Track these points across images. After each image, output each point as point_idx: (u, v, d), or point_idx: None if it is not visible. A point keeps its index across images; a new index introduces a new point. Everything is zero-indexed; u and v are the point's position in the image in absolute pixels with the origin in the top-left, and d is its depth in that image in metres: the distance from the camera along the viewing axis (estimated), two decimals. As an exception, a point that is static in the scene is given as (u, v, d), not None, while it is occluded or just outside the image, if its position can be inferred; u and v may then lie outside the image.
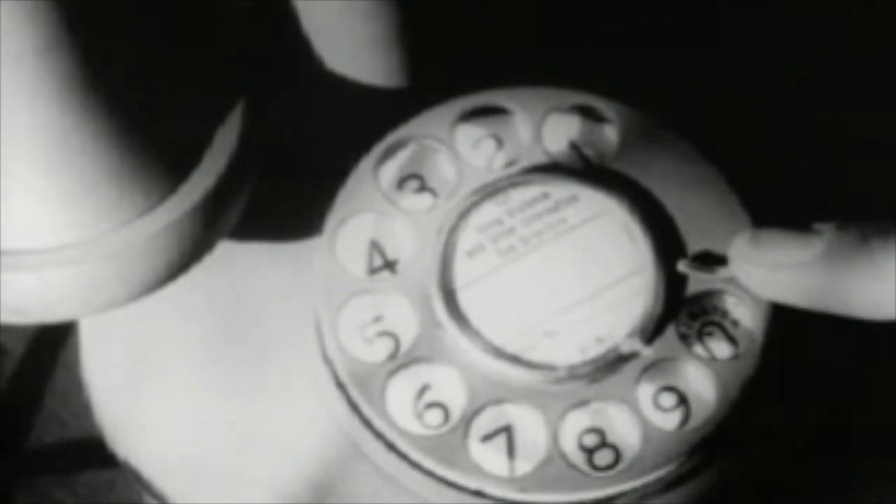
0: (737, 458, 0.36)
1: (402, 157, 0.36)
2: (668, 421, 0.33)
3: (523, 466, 0.33)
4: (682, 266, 0.34)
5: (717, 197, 0.35)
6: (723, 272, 0.34)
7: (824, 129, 0.41)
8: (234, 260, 0.38)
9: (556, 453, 0.33)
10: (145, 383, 0.40)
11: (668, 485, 0.34)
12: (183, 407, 0.39)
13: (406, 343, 0.34)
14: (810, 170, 0.39)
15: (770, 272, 0.32)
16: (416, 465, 0.34)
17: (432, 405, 0.34)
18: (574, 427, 0.33)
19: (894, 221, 0.30)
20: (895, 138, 0.41)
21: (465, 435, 0.33)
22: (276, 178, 0.36)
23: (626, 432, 0.33)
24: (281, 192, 0.36)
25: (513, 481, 0.33)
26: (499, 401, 0.33)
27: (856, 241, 0.30)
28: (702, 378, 0.34)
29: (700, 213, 0.35)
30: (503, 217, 0.34)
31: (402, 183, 0.36)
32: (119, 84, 0.32)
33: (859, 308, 0.30)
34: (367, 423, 0.34)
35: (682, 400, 0.34)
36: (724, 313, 0.34)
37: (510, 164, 0.36)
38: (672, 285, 0.34)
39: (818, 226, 0.31)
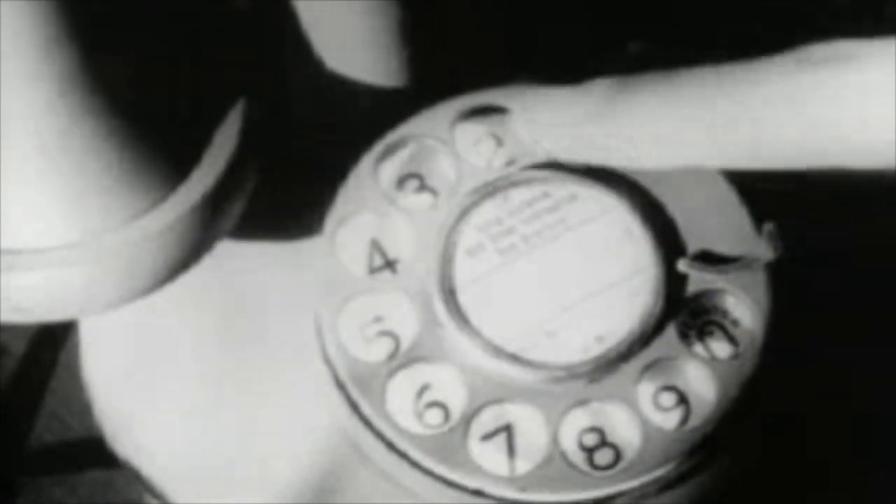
0: (737, 458, 0.36)
1: (401, 156, 0.36)
2: (668, 420, 0.33)
3: (523, 466, 0.33)
4: (682, 265, 0.34)
5: (717, 196, 0.35)
6: (723, 271, 0.34)
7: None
8: (234, 259, 0.38)
9: (556, 452, 0.33)
10: (145, 383, 0.40)
11: (667, 484, 0.34)
12: (183, 407, 0.39)
13: (406, 342, 0.34)
14: (811, 169, 0.39)
15: (550, 129, 0.32)
16: (416, 465, 0.34)
17: (432, 404, 0.34)
18: (574, 426, 0.33)
19: (672, 72, 0.30)
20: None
21: (465, 434, 0.33)
22: (276, 177, 0.36)
23: (626, 432, 0.33)
24: (281, 191, 0.36)
25: (513, 480, 0.33)
26: (499, 400, 0.33)
27: (625, 93, 0.31)
28: (702, 377, 0.34)
29: (700, 213, 0.35)
30: (503, 216, 0.34)
31: (401, 182, 0.36)
32: (119, 84, 0.32)
33: (627, 159, 0.31)
34: (367, 423, 0.34)
35: (682, 399, 0.34)
36: (725, 313, 0.34)
37: (510, 163, 0.36)
38: (672, 285, 0.34)
39: (597, 80, 0.32)
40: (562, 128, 0.32)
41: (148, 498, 0.40)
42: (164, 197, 0.33)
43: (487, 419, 0.33)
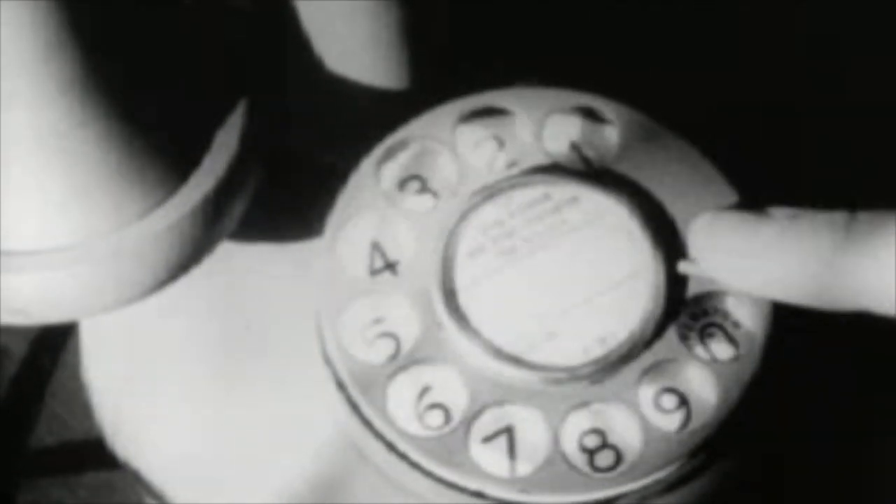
0: (737, 459, 0.36)
1: (403, 157, 0.36)
2: (669, 422, 0.33)
3: (524, 467, 0.33)
4: (682, 267, 0.34)
5: (718, 198, 0.35)
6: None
7: (826, 128, 0.41)
8: (234, 261, 0.38)
9: (556, 454, 0.33)
10: (146, 384, 0.40)
11: (669, 486, 0.34)
12: (183, 407, 0.39)
13: (407, 344, 0.34)
14: (812, 170, 0.39)
15: (726, 258, 0.32)
16: (416, 466, 0.34)
17: (433, 406, 0.34)
18: (575, 428, 0.33)
19: (849, 212, 0.30)
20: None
21: (466, 436, 0.33)
22: (277, 178, 0.36)
23: (627, 433, 0.33)
24: (282, 192, 0.36)
25: (513, 482, 0.33)
26: (500, 402, 0.33)
27: (808, 229, 0.30)
28: (703, 379, 0.34)
29: (701, 214, 0.35)
30: (504, 218, 0.34)
31: (403, 184, 0.36)
32: (119, 85, 0.32)
33: (815, 298, 0.31)
34: (368, 424, 0.34)
35: (683, 401, 0.34)
36: (725, 314, 0.34)
37: (511, 165, 0.36)
38: (673, 286, 0.34)
39: (774, 210, 0.31)
40: (741, 256, 0.32)
41: (148, 498, 0.40)
42: (164, 198, 0.33)
43: (488, 421, 0.33)
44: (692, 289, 0.34)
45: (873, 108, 0.42)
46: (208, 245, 0.34)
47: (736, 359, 0.34)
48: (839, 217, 0.30)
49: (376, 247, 0.35)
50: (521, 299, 0.34)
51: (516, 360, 0.33)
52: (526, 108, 0.36)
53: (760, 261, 0.31)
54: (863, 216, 0.30)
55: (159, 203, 0.33)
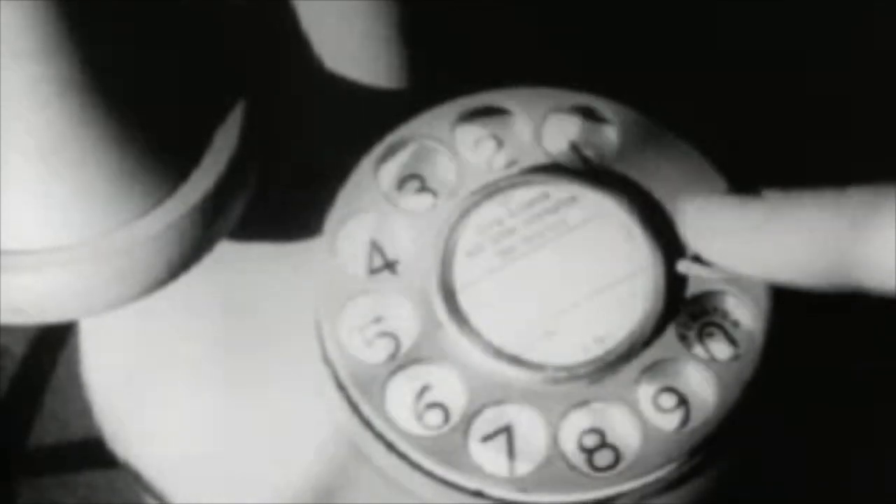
0: (736, 459, 0.36)
1: (402, 157, 0.36)
2: (668, 422, 0.33)
3: (523, 467, 0.33)
4: (682, 266, 0.34)
5: (718, 197, 0.35)
6: (723, 272, 0.34)
7: (826, 129, 0.41)
8: (234, 260, 0.38)
9: (556, 454, 0.33)
10: (145, 383, 0.40)
11: (668, 485, 0.35)
12: (183, 407, 0.39)
13: (406, 344, 0.34)
14: (812, 170, 0.39)
15: (719, 239, 0.32)
16: (416, 466, 0.34)
17: (432, 405, 0.34)
18: (574, 427, 0.33)
19: (839, 189, 0.30)
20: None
21: (466, 435, 0.33)
22: (276, 178, 0.36)
23: (626, 433, 0.33)
24: (281, 192, 0.36)
25: (513, 481, 0.33)
26: (499, 401, 0.33)
27: (794, 207, 0.30)
28: (702, 379, 0.34)
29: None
30: (503, 217, 0.34)
31: (402, 183, 0.36)
32: (119, 84, 0.32)
33: (811, 276, 0.30)
34: (368, 424, 0.34)
35: (682, 401, 0.34)
36: (725, 314, 0.34)
37: (510, 164, 0.36)
38: (672, 286, 0.34)
39: (766, 192, 0.31)
40: (730, 235, 0.31)
41: (147, 498, 0.40)
42: (164, 198, 0.33)
43: (487, 420, 0.34)
44: (691, 288, 0.34)
45: (874, 109, 0.42)
46: (208, 244, 0.34)
47: (735, 358, 0.34)
48: (834, 192, 0.29)
49: (375, 246, 0.35)
50: (520, 298, 0.34)
51: (515, 360, 0.33)
52: (525, 108, 0.36)
53: (754, 240, 0.30)
54: (856, 190, 0.29)
55: (159, 202, 0.33)
